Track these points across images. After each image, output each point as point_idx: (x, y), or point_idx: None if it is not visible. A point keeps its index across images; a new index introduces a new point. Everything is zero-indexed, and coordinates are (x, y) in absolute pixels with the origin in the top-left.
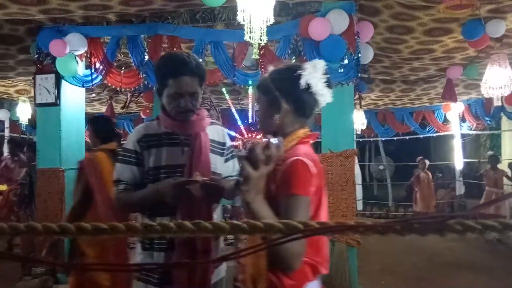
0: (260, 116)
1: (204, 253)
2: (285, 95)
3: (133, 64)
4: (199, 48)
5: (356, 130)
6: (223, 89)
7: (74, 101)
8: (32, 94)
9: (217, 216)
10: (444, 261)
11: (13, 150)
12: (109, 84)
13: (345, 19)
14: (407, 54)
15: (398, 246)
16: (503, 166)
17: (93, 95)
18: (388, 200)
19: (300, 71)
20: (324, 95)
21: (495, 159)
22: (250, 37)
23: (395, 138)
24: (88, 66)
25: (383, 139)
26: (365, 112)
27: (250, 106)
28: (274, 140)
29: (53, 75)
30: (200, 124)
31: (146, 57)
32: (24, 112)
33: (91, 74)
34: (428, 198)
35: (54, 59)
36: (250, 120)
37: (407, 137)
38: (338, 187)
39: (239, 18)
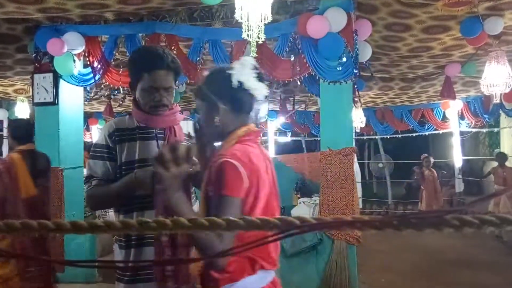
0: (202, 122)
1: (183, 248)
2: (220, 97)
3: None
4: (197, 46)
5: (355, 128)
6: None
7: (72, 100)
8: (30, 94)
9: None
10: (444, 259)
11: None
12: (107, 83)
13: (343, 17)
14: (405, 52)
15: (398, 244)
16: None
17: (91, 94)
18: (387, 198)
19: (230, 71)
20: (258, 89)
21: (503, 156)
22: (248, 35)
23: (389, 137)
24: (86, 65)
25: (380, 137)
26: (364, 110)
27: None
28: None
29: (51, 74)
30: (174, 118)
31: None
32: (22, 111)
33: (91, 73)
34: (434, 196)
35: (52, 58)
36: None
37: (400, 136)
38: (338, 185)
39: (237, 16)
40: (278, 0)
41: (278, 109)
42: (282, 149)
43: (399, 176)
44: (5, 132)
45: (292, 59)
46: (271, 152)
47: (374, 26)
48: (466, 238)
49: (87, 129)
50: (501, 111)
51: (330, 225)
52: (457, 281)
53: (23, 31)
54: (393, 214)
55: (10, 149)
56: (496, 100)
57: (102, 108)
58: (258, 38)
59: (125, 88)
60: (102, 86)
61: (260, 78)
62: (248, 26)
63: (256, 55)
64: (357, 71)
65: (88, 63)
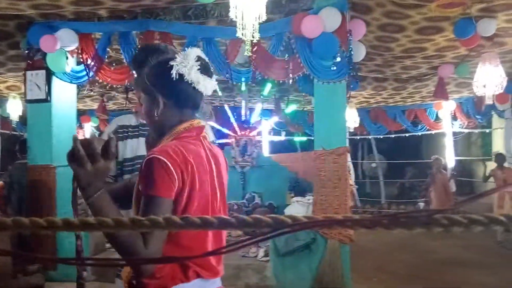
0: (145, 115)
1: None
2: (160, 90)
3: (124, 60)
4: (191, 44)
5: (348, 128)
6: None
7: (65, 98)
8: (23, 91)
9: None
10: (437, 258)
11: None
12: (100, 80)
13: (337, 17)
14: (399, 52)
15: (391, 244)
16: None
17: (85, 91)
18: (380, 197)
19: (171, 63)
20: (202, 83)
21: (502, 158)
22: (242, 34)
23: (382, 137)
24: (79, 62)
25: (374, 137)
26: (358, 110)
27: (243, 104)
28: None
29: (43, 71)
30: None
31: None
32: (14, 108)
33: (84, 70)
34: (446, 198)
35: (44, 55)
36: (243, 118)
37: (393, 136)
38: (331, 184)
39: (231, 14)
40: None
41: (273, 108)
42: (276, 148)
43: (392, 176)
44: None
45: (287, 58)
46: (265, 152)
47: (368, 26)
48: (458, 238)
49: (80, 126)
50: (493, 112)
51: (321, 224)
52: (449, 281)
53: (16, 28)
54: (386, 213)
55: None
56: (489, 101)
57: (95, 105)
58: (253, 37)
59: (122, 86)
60: (97, 83)
61: (205, 70)
62: (242, 25)
63: (250, 54)
64: (351, 71)
65: (81, 60)
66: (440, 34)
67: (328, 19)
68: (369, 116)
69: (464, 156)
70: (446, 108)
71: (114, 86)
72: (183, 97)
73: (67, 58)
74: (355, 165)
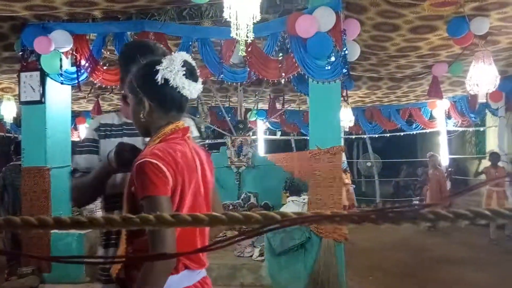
0: (131, 115)
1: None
2: (145, 92)
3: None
4: (186, 45)
5: (343, 127)
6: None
7: (60, 99)
8: (17, 92)
9: None
10: (431, 256)
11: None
12: (95, 82)
13: (331, 16)
14: (393, 51)
15: (385, 243)
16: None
17: (80, 94)
18: (375, 196)
19: (157, 67)
20: (187, 88)
21: (496, 156)
22: (236, 34)
23: (377, 136)
24: (74, 64)
25: (369, 136)
26: (353, 109)
27: (239, 104)
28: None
29: (38, 73)
30: None
31: None
32: (8, 110)
33: (78, 71)
34: (440, 196)
35: (39, 56)
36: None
37: (388, 135)
38: (326, 183)
39: (225, 15)
40: None
41: (267, 108)
42: (272, 148)
43: (387, 175)
44: None
45: (280, 57)
46: (261, 151)
47: (362, 25)
48: (452, 236)
49: (75, 128)
50: (487, 110)
51: (310, 219)
52: (442, 278)
53: (10, 29)
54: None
55: None
56: (483, 99)
57: (90, 107)
58: (247, 37)
59: (116, 87)
60: (92, 85)
61: (190, 75)
62: (237, 25)
63: (245, 54)
64: (346, 70)
65: (75, 61)
66: (434, 33)
67: (323, 19)
68: (364, 115)
69: (459, 154)
70: (440, 106)
71: (109, 87)
72: (168, 100)
73: (61, 59)
74: (350, 164)
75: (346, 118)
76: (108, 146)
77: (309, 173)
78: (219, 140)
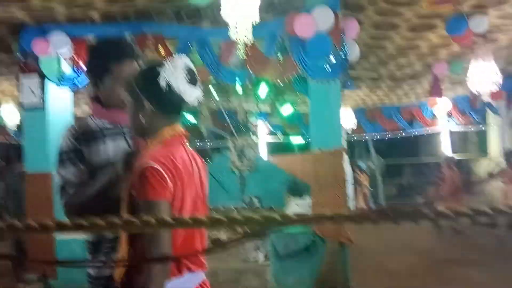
0: (129, 118)
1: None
2: (146, 95)
3: None
4: (184, 46)
5: (346, 129)
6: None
7: (61, 103)
8: (17, 96)
9: None
10: (436, 258)
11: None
12: None
13: (330, 16)
14: (393, 50)
15: (390, 245)
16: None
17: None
18: (379, 198)
19: (159, 71)
20: (188, 93)
21: None
22: (235, 35)
23: (379, 137)
24: (73, 67)
25: (371, 137)
26: (354, 111)
27: (240, 106)
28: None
29: (37, 76)
30: None
31: None
32: (9, 115)
33: (76, 74)
34: (456, 197)
35: (38, 59)
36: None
37: (390, 136)
38: (328, 185)
39: (224, 15)
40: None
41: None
42: (274, 150)
43: (390, 176)
44: None
45: (280, 57)
46: (264, 154)
47: (361, 24)
48: (457, 237)
49: None
50: (488, 109)
51: (312, 220)
52: (449, 280)
53: (8, 32)
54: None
55: None
56: (486, 98)
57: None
58: (246, 37)
59: None
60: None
61: (192, 80)
62: (235, 26)
63: (244, 55)
64: (345, 70)
65: (73, 64)
66: (433, 31)
67: (321, 18)
68: (366, 116)
69: (461, 153)
70: (441, 106)
71: None
72: (167, 104)
73: (60, 62)
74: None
75: (349, 120)
76: (94, 153)
77: (312, 175)
78: (221, 143)
